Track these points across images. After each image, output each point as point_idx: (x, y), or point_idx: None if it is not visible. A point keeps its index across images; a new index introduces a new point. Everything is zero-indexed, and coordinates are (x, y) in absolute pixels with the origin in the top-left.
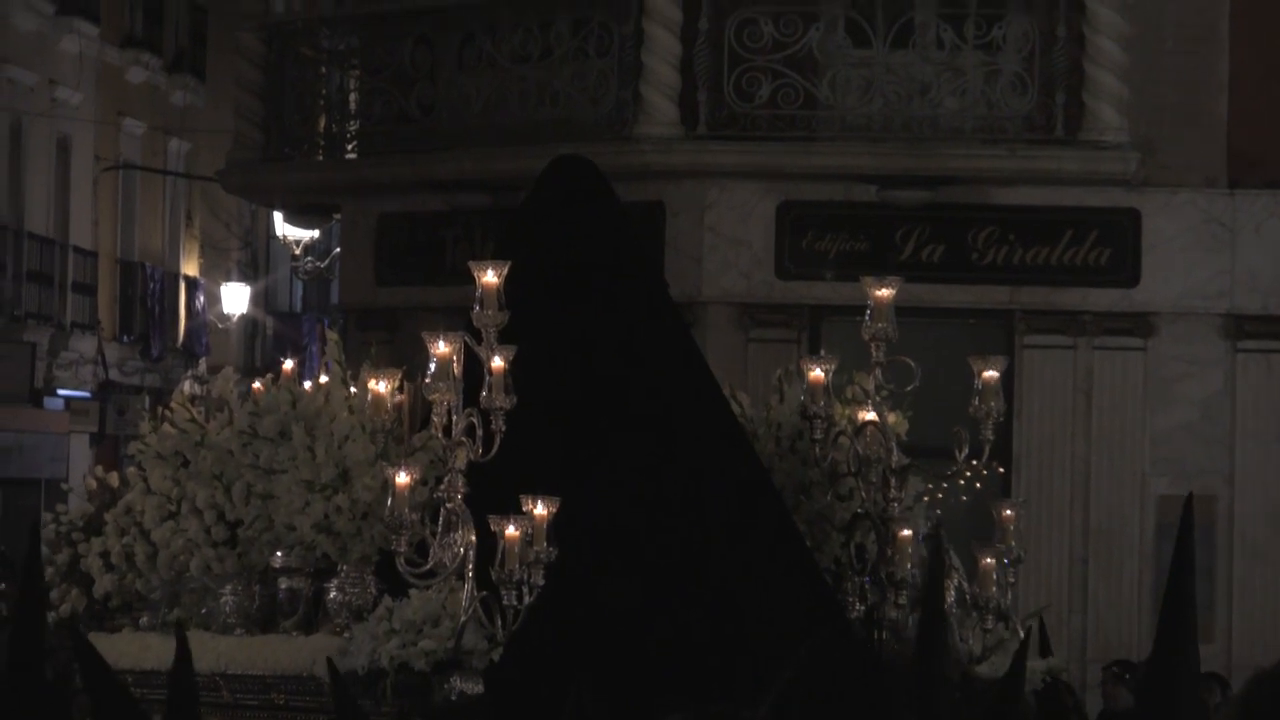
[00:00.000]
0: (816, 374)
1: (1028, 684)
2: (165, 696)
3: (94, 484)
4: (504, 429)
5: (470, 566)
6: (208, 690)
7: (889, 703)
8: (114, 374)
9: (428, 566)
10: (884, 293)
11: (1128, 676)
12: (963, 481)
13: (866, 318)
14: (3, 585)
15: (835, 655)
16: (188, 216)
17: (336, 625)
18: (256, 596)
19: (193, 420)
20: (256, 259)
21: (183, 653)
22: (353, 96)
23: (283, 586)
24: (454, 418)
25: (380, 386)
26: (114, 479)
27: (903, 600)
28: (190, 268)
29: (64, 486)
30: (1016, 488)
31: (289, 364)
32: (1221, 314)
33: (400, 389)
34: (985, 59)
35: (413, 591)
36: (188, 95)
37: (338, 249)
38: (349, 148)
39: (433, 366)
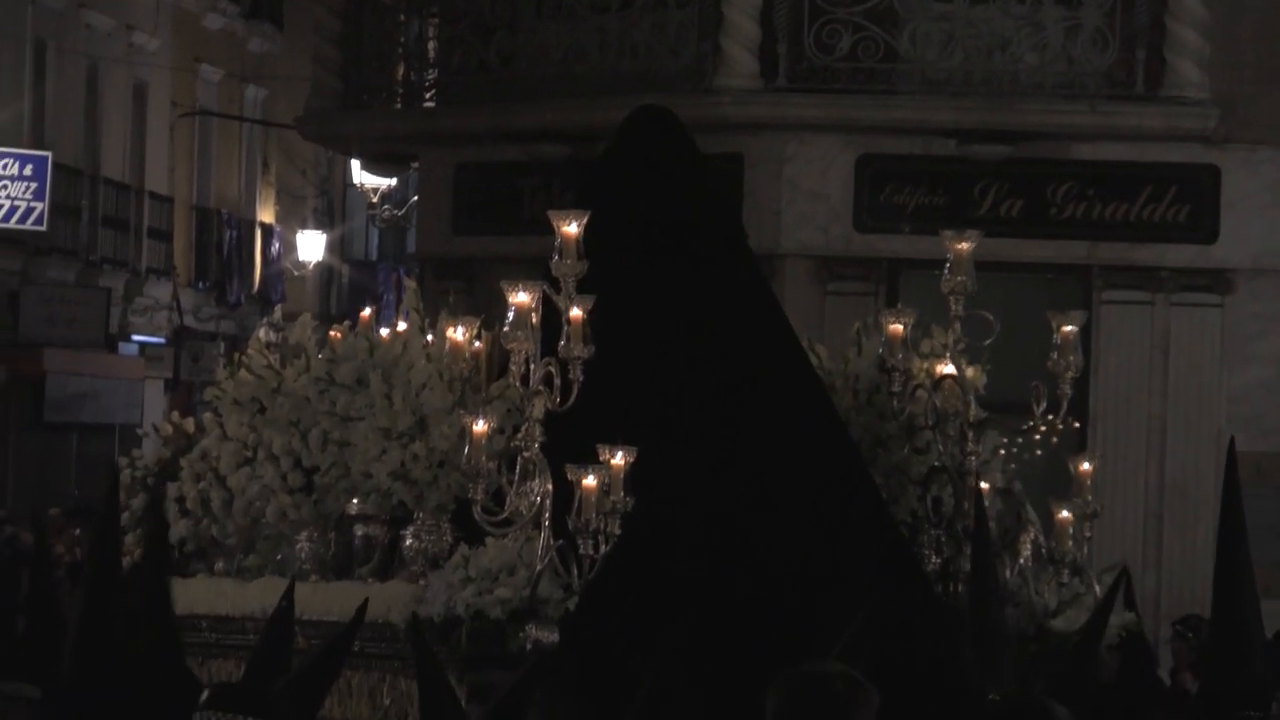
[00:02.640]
0: (895, 327)
1: (1104, 640)
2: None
3: (169, 429)
4: (581, 378)
5: (547, 515)
6: None
7: (960, 655)
8: (189, 320)
9: (504, 515)
10: (963, 246)
11: (1190, 636)
12: (1039, 436)
13: (945, 271)
14: (77, 531)
15: (906, 606)
16: (264, 163)
17: (412, 573)
18: (332, 543)
19: (269, 367)
20: (332, 207)
21: (286, 603)
22: (431, 45)
23: (358, 533)
24: (532, 367)
25: (458, 335)
26: (189, 425)
27: None
28: (266, 215)
29: (139, 432)
30: (1093, 443)
31: (367, 311)
32: None
33: (478, 337)
34: (1066, 14)
35: (489, 540)
36: (265, 42)
37: (415, 197)
38: (427, 97)
39: (511, 315)
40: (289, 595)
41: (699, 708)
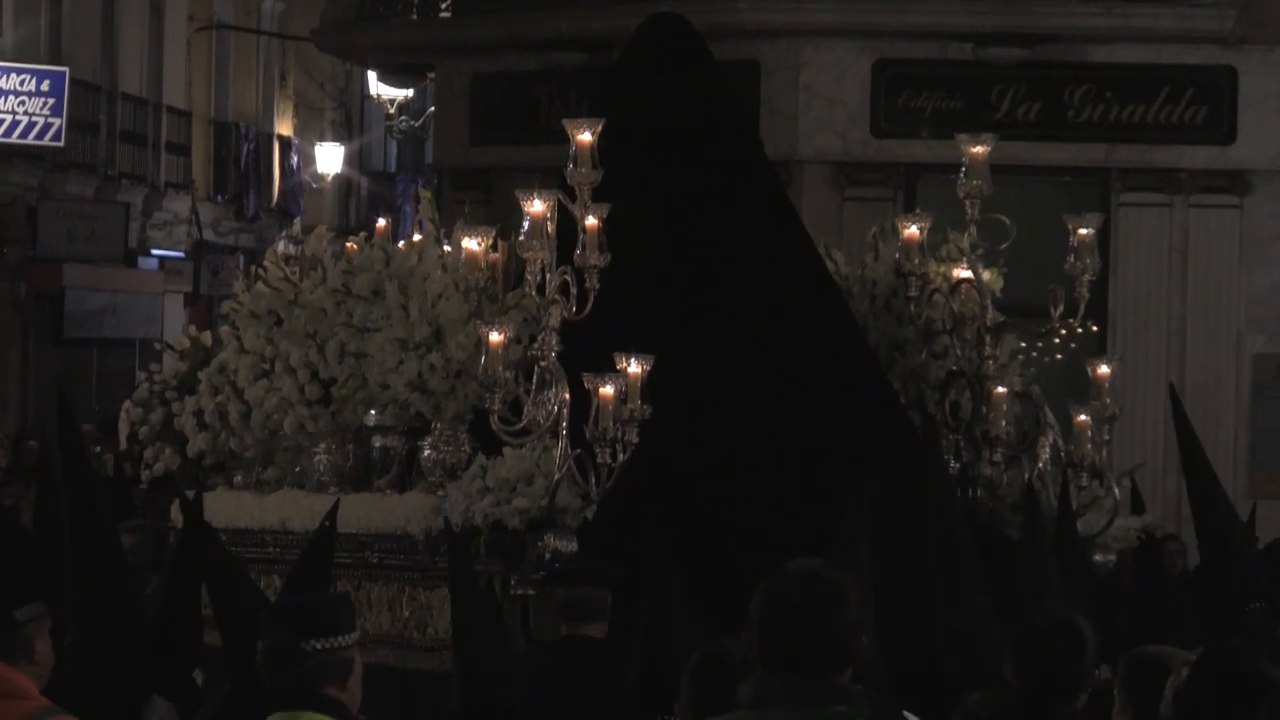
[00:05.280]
0: (912, 232)
1: (1122, 542)
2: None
3: (188, 343)
4: (598, 287)
5: (564, 424)
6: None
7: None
8: (208, 234)
9: (522, 425)
10: (979, 150)
11: None
12: (1058, 339)
13: (962, 175)
14: (98, 448)
15: (922, 508)
16: (281, 76)
17: (430, 484)
18: (350, 455)
19: (286, 279)
20: (350, 119)
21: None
22: None
23: (376, 445)
24: (548, 276)
25: (474, 244)
26: (207, 338)
27: (997, 458)
28: (284, 128)
29: (158, 346)
30: (1112, 346)
31: (383, 223)
32: None
33: (494, 247)
34: None
35: (506, 449)
36: None
37: (432, 108)
38: (443, 7)
39: (527, 224)
40: (332, 516)
41: (700, 618)
